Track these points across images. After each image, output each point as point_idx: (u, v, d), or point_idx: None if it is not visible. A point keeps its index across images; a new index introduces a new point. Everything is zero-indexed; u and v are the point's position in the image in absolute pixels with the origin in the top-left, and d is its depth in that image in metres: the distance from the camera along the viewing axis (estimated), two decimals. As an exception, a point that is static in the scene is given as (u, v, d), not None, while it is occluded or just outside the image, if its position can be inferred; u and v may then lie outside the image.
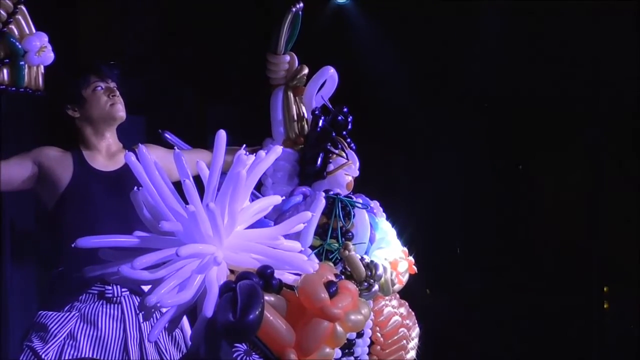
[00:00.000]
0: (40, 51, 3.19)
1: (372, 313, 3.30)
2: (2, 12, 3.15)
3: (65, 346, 3.12)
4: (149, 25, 5.57)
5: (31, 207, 4.66)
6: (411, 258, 3.63)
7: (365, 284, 3.27)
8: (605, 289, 6.70)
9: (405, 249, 3.63)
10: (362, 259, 3.30)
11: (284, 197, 3.20)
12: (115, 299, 3.20)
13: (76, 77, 3.34)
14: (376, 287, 3.30)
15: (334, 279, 2.84)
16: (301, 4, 3.63)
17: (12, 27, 3.17)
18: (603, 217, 6.62)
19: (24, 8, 3.19)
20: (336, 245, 3.32)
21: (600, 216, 6.63)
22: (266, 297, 2.69)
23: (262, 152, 2.93)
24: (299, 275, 2.85)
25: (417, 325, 3.67)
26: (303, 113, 3.66)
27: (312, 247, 3.28)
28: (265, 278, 2.74)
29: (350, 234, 3.37)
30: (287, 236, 2.92)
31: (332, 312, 2.73)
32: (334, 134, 3.56)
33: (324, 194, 3.33)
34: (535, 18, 6.18)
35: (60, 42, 3.31)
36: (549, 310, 6.45)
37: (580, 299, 6.54)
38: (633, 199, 6.33)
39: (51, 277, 3.26)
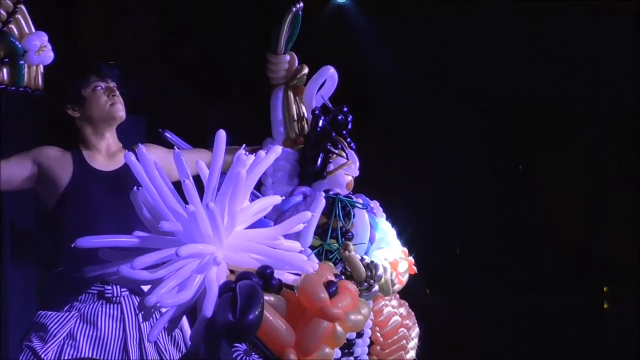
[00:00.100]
0: (40, 50, 3.19)
1: (371, 313, 3.29)
2: (2, 11, 3.15)
3: (65, 346, 3.11)
4: (149, 25, 5.57)
5: (31, 207, 4.67)
6: (411, 258, 3.63)
7: (366, 284, 3.26)
8: (605, 289, 6.70)
9: (405, 249, 3.63)
10: (362, 259, 3.30)
11: (283, 197, 3.20)
12: (114, 298, 3.20)
13: (76, 76, 3.34)
14: (376, 287, 3.30)
15: (333, 279, 2.84)
16: (301, 4, 3.62)
17: (12, 26, 3.16)
18: (603, 217, 6.62)
19: (23, 7, 3.19)
20: (336, 245, 3.32)
21: (600, 216, 6.64)
22: (266, 297, 2.69)
23: (261, 152, 2.93)
24: (299, 275, 2.85)
25: (416, 325, 3.66)
26: (303, 113, 3.66)
27: (312, 247, 3.28)
28: (265, 278, 2.74)
29: (350, 234, 3.37)
30: (287, 236, 2.91)
31: (332, 312, 2.73)
32: (334, 134, 3.56)
33: (324, 194, 3.33)
34: (535, 18, 6.18)
35: (60, 41, 3.30)
36: (549, 310, 6.46)
37: (580, 299, 6.55)
38: (633, 199, 6.33)
39: (51, 277, 3.26)
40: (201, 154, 3.35)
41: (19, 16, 3.18)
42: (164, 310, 2.74)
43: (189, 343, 2.98)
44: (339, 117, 3.61)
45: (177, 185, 2.82)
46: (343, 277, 3.05)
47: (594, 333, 6.58)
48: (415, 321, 3.66)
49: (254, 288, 2.65)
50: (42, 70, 3.23)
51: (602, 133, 6.50)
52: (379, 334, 3.44)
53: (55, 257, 3.23)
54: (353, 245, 3.31)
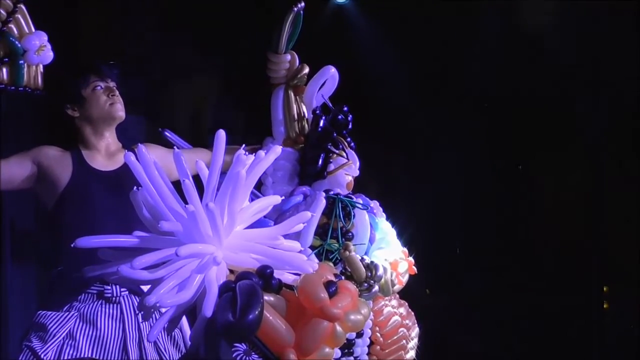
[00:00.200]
0: (40, 50, 3.19)
1: (371, 313, 3.29)
2: (1, 11, 3.15)
3: (64, 346, 3.11)
4: (149, 25, 5.57)
5: (31, 207, 4.67)
6: (411, 258, 3.63)
7: (366, 284, 3.26)
8: (605, 289, 6.69)
9: (405, 250, 3.62)
10: (362, 259, 3.30)
11: (283, 197, 3.20)
12: (114, 298, 3.20)
13: (76, 76, 3.34)
14: (376, 288, 3.30)
15: (333, 279, 2.84)
16: (302, 4, 3.62)
17: (12, 26, 3.17)
18: (603, 217, 6.61)
19: (23, 7, 3.19)
20: (336, 245, 3.31)
21: (600, 216, 6.63)
22: (266, 297, 2.69)
23: (261, 152, 2.93)
24: (299, 275, 2.85)
25: (416, 325, 3.66)
26: (303, 112, 3.66)
27: (312, 247, 3.28)
28: (264, 278, 2.74)
29: (350, 234, 3.36)
30: (287, 236, 2.91)
31: (332, 312, 2.73)
32: (334, 134, 3.56)
33: (324, 194, 3.33)
34: (535, 18, 6.18)
35: (60, 41, 3.30)
36: (549, 310, 6.45)
37: (580, 299, 6.54)
38: (633, 199, 6.32)
39: (50, 277, 3.26)
40: (201, 154, 3.35)
41: (19, 16, 3.18)
42: (163, 310, 2.74)
43: (189, 343, 2.98)
44: (339, 117, 3.61)
45: (177, 185, 2.82)
46: (343, 277, 3.05)
47: (594, 333, 6.57)
48: (415, 321, 3.66)
49: (253, 288, 2.65)
50: (41, 70, 3.23)
51: (602, 133, 6.50)
52: (378, 334, 3.43)
53: (55, 257, 3.23)
54: (353, 245, 3.31)
